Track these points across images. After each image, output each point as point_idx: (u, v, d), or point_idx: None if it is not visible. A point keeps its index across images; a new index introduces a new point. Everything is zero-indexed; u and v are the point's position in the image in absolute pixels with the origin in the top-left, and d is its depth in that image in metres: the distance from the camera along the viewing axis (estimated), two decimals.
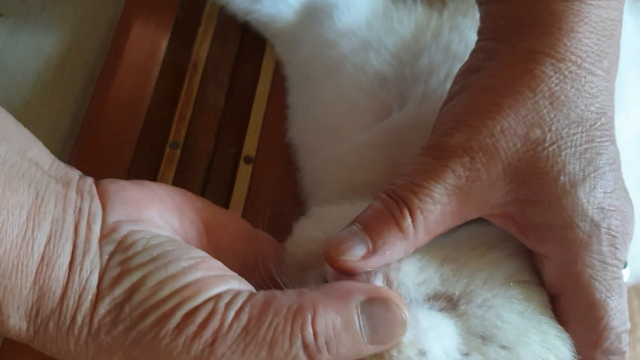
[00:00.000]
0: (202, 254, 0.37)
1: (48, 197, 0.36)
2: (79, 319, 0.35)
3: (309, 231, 0.42)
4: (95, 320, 0.35)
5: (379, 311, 0.34)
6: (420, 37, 0.49)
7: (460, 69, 0.41)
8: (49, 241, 0.35)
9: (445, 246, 0.40)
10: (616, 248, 0.38)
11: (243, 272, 0.40)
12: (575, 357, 0.38)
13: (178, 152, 0.58)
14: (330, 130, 0.50)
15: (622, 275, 0.39)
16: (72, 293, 0.35)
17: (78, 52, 0.64)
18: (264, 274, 0.40)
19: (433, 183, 0.37)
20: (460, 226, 0.39)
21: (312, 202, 0.53)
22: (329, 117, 0.50)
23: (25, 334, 0.35)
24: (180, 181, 0.57)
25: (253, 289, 0.37)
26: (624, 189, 0.39)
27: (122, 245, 0.36)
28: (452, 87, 0.41)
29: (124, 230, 0.37)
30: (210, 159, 0.58)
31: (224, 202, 0.57)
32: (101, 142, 0.58)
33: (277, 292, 0.35)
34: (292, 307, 0.34)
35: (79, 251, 0.35)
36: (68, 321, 0.35)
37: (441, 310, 0.37)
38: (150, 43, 0.61)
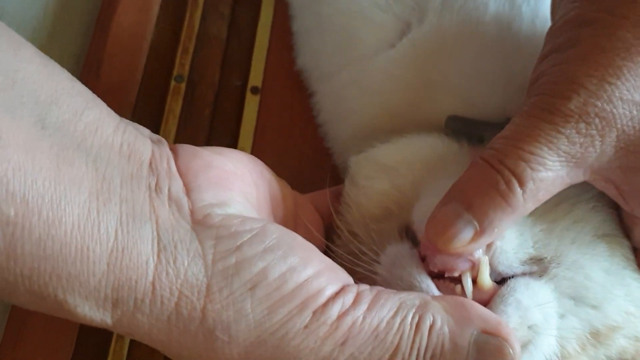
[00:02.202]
0: (303, 240, 0.35)
1: (110, 173, 0.32)
2: (185, 312, 0.32)
3: (376, 184, 0.42)
4: (209, 315, 0.32)
5: (491, 349, 0.33)
6: None
7: (562, 17, 0.38)
8: (120, 224, 0.31)
9: None
10: None
11: None
12: None
13: (183, 85, 0.57)
14: (347, 50, 0.49)
15: None
16: (167, 284, 0.31)
17: None
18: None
19: (546, 149, 0.35)
20: None
21: (330, 128, 0.52)
22: (343, 37, 0.48)
23: (101, 323, 0.32)
24: (188, 114, 0.56)
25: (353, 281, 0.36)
26: None
27: (224, 232, 0.33)
28: (553, 35, 0.38)
29: (218, 215, 0.33)
30: (217, 91, 0.58)
31: (233, 133, 0.56)
32: (105, 80, 0.57)
33: (403, 294, 0.34)
34: (416, 316, 0.34)
35: (167, 238, 0.32)
36: (167, 314, 0.32)
37: (533, 274, 0.38)
38: None
